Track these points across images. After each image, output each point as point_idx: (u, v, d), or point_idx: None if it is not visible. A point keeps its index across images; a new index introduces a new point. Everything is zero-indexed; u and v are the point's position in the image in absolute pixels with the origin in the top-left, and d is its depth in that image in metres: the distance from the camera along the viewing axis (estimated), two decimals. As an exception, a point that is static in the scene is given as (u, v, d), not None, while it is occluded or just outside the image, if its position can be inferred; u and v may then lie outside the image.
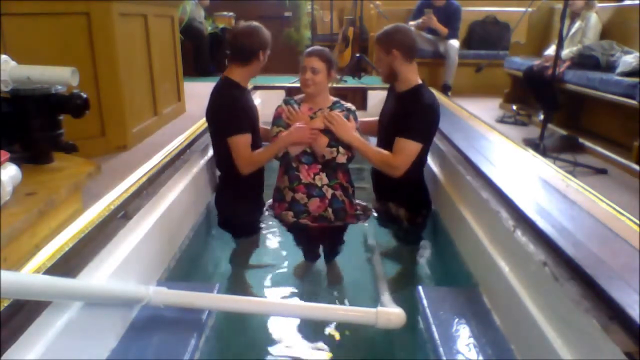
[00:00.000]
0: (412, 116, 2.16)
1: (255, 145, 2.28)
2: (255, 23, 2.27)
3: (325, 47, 2.28)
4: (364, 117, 2.54)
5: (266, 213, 2.47)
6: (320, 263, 2.41)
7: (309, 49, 2.23)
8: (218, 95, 2.27)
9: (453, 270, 2.16)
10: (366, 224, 2.51)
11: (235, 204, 2.39)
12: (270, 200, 2.45)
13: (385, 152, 2.20)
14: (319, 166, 2.22)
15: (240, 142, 2.20)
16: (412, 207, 2.39)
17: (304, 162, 2.22)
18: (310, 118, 2.22)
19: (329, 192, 2.22)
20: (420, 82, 2.26)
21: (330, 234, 2.34)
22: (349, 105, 2.31)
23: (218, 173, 2.53)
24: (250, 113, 2.29)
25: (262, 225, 2.61)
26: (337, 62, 2.31)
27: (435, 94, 2.36)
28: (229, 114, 2.21)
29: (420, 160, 2.26)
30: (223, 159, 2.36)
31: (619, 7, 4.00)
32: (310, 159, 2.23)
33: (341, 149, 2.17)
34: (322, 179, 2.22)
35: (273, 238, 2.69)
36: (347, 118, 2.23)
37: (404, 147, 2.15)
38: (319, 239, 2.38)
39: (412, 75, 2.25)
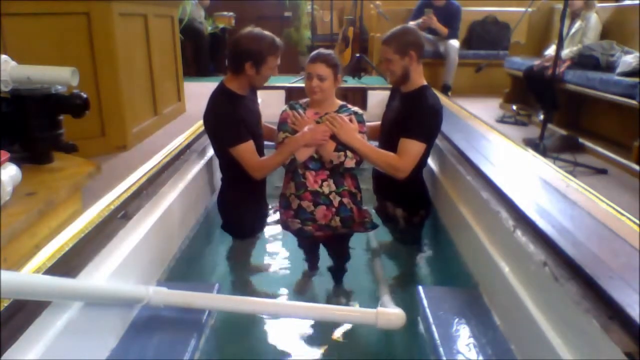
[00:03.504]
0: (416, 116, 2.15)
1: (257, 148, 2.23)
2: (255, 31, 2.16)
3: (329, 50, 2.20)
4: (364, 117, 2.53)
5: (273, 218, 2.44)
6: (322, 276, 2.39)
7: (314, 55, 2.13)
8: (212, 105, 2.22)
9: (453, 270, 2.16)
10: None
11: (237, 207, 2.37)
12: (277, 205, 2.41)
13: (390, 153, 2.16)
14: (327, 172, 2.13)
15: (243, 150, 2.15)
16: (410, 207, 2.38)
17: (311, 169, 2.13)
18: (316, 123, 2.15)
19: (336, 200, 2.13)
20: (425, 83, 2.26)
21: (334, 241, 2.28)
22: (355, 109, 2.23)
23: (220, 175, 2.48)
24: (248, 120, 2.21)
25: (265, 226, 2.60)
26: (341, 63, 2.23)
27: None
28: (225, 127, 2.16)
29: (421, 161, 2.23)
30: (223, 163, 2.35)
31: (619, 7, 4.01)
32: (318, 165, 2.13)
33: (349, 153, 2.09)
34: (329, 186, 2.13)
35: (274, 239, 2.69)
36: (351, 121, 2.16)
37: (408, 147, 2.12)
38: (323, 245, 2.35)
39: (419, 76, 2.24)
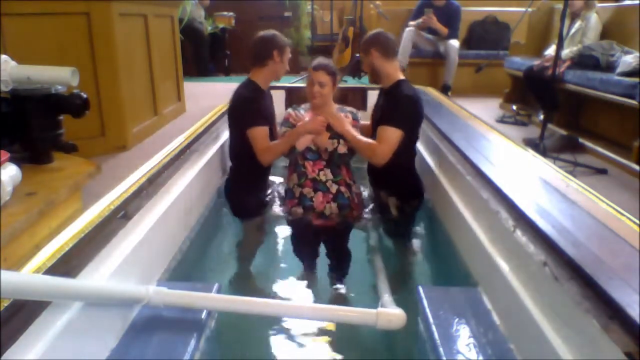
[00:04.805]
0: (392, 106, 2.36)
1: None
2: (272, 31, 2.51)
3: (328, 60, 2.45)
4: (363, 117, 2.62)
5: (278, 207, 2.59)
6: (322, 276, 2.41)
7: (316, 63, 2.37)
8: (239, 94, 2.49)
9: (453, 270, 2.16)
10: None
11: (241, 190, 2.60)
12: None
13: (371, 141, 2.34)
14: (324, 162, 2.38)
15: (258, 133, 2.40)
16: (402, 196, 2.49)
17: (309, 159, 2.38)
18: None
19: (333, 187, 2.36)
20: (401, 77, 2.45)
21: (333, 237, 2.42)
22: (350, 108, 2.51)
23: (222, 174, 2.72)
24: (266, 111, 2.50)
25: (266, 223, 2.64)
26: (341, 63, 2.52)
27: (435, 94, 2.39)
28: (247, 110, 2.43)
29: (408, 149, 2.43)
30: (235, 151, 2.60)
31: (619, 7, 4.00)
32: (315, 155, 2.39)
33: (341, 141, 2.35)
34: (326, 175, 2.37)
35: (276, 240, 2.70)
36: (346, 116, 2.42)
37: (385, 134, 2.31)
38: (320, 238, 2.44)
39: (393, 72, 2.44)
